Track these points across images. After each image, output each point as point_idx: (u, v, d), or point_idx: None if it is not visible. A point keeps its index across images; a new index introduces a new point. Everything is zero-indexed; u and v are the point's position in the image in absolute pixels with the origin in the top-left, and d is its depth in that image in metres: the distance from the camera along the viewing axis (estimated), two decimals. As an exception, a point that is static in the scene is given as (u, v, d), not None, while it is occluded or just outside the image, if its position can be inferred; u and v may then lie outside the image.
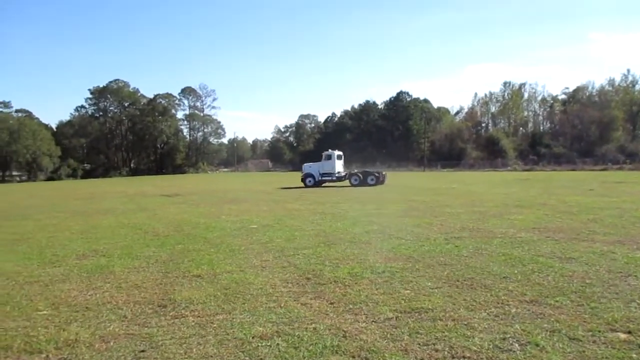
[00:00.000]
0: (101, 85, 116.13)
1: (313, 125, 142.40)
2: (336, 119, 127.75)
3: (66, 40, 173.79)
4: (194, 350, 4.77)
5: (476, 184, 35.50)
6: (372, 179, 36.39)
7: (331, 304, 6.17)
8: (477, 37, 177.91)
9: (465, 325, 5.28)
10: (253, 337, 5.06)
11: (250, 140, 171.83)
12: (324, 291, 6.75)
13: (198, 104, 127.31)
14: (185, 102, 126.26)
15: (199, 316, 5.82)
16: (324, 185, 38.77)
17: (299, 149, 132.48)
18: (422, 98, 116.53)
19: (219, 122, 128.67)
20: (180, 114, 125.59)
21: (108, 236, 13.01)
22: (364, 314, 5.73)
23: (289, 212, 17.43)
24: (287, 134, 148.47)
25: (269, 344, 4.88)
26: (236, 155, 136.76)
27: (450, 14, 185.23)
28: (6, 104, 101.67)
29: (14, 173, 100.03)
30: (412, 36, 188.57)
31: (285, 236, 11.76)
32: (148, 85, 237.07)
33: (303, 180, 38.86)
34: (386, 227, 12.87)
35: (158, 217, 17.62)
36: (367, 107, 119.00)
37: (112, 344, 5.03)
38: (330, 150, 39.54)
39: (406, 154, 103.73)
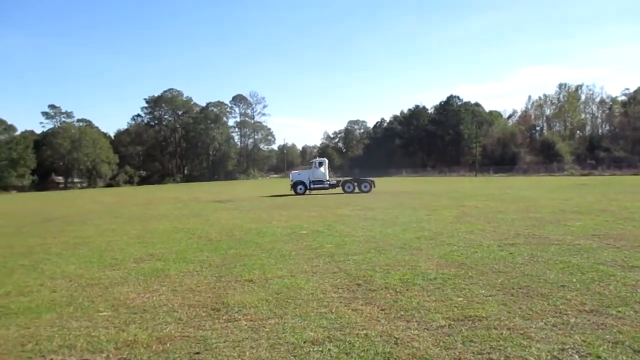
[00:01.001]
0: (156, 95, 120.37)
1: (362, 130, 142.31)
2: (385, 124, 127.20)
3: (124, 52, 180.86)
4: (247, 353, 4.85)
5: (530, 189, 34.41)
6: (365, 186, 36.89)
7: (382, 310, 6.13)
8: (531, 39, 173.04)
9: (522, 334, 5.13)
10: (305, 342, 5.09)
11: (299, 147, 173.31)
12: (375, 297, 6.72)
13: (249, 111, 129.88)
14: (236, 109, 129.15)
15: (251, 320, 5.91)
16: (318, 192, 38.06)
17: (348, 155, 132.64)
18: (472, 102, 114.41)
19: (269, 129, 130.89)
20: (231, 122, 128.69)
21: (163, 241, 13.40)
22: (416, 321, 5.66)
23: (339, 218, 17.44)
24: (336, 140, 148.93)
25: (320, 349, 4.90)
26: (286, 161, 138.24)
27: (504, 14, 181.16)
28: (68, 114, 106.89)
29: (76, 180, 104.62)
30: (462, 40, 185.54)
31: (335, 242, 11.77)
32: (200, 93, 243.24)
33: (293, 187, 38.01)
34: (438, 233, 12.68)
35: (211, 222, 18.00)
36: (417, 112, 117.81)
37: (168, 345, 5.18)
38: (318, 157, 39.94)
39: (457, 158, 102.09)
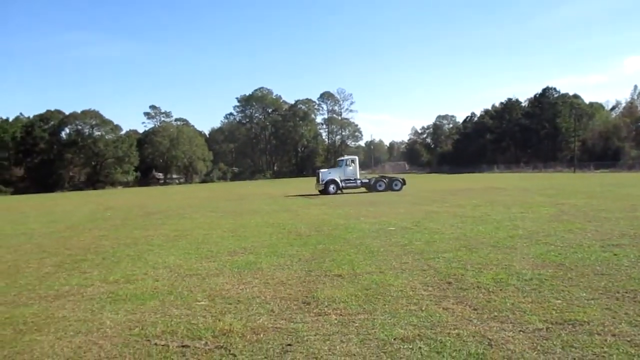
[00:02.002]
0: (247, 94, 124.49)
1: (451, 125, 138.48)
2: (476, 118, 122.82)
3: (218, 54, 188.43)
4: (337, 347, 4.91)
5: (637, 186, 31.84)
6: (396, 184, 35.96)
7: (474, 310, 5.97)
8: (636, 26, 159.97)
9: (628, 342, 4.78)
10: (394, 339, 5.07)
11: (387, 143, 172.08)
12: (467, 296, 6.55)
13: (336, 108, 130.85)
14: (324, 106, 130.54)
15: (341, 314, 5.97)
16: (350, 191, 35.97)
17: (436, 151, 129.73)
18: (571, 94, 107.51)
19: (357, 125, 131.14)
20: (319, 118, 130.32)
21: (255, 235, 13.86)
22: (511, 323, 5.45)
23: (428, 215, 17.14)
24: (425, 136, 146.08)
25: (410, 346, 4.86)
26: (373, 158, 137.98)
27: (604, 1, 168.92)
28: (167, 114, 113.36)
29: (174, 176, 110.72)
30: (558, 29, 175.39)
31: (425, 239, 11.59)
32: (289, 91, 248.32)
33: (325, 187, 35.01)
34: (533, 231, 12.10)
35: (300, 217, 18.37)
36: (509, 106, 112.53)
37: (261, 335, 5.36)
38: (346, 155, 38.03)
39: (553, 154, 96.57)
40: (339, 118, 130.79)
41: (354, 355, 4.72)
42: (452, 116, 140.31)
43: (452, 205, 20.71)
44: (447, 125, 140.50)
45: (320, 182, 35.64)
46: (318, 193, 35.58)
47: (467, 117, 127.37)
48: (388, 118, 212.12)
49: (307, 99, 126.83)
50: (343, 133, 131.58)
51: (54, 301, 7.33)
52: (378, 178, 37.21)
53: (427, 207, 20.67)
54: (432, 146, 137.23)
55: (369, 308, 6.20)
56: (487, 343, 4.87)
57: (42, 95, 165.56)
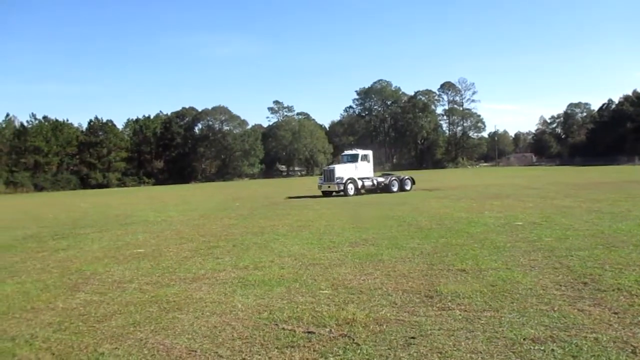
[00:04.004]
0: (366, 86, 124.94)
1: (585, 114, 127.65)
2: (613, 106, 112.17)
3: (336, 47, 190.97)
4: (463, 343, 4.79)
5: None
6: (406, 183, 32.09)
7: (615, 313, 5.50)
8: None
9: None
10: (524, 339, 4.83)
11: (512, 133, 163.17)
12: (605, 299, 6.05)
13: (457, 98, 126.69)
14: (445, 97, 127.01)
15: (465, 310, 5.82)
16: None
17: (567, 141, 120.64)
18: None
19: (479, 116, 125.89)
20: (439, 109, 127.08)
21: (375, 227, 13.92)
22: (659, 330, 4.95)
23: (559, 210, 16.04)
24: (554, 125, 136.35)
25: (542, 348, 4.60)
26: (497, 149, 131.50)
27: None
28: (290, 108, 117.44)
29: (296, 168, 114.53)
30: None
31: (556, 235, 10.87)
32: (409, 83, 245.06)
33: (344, 187, 29.00)
34: (685, 231, 10.85)
35: (420, 210, 18.12)
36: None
37: (384, 327, 5.39)
38: (357, 149, 32.80)
39: None
40: (461, 109, 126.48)
41: (481, 352, 4.58)
42: (586, 104, 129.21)
43: (586, 200, 19.18)
44: (580, 114, 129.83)
45: (336, 181, 29.35)
46: (439, 188, 34.50)
47: (603, 105, 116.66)
48: (514, 107, 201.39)
49: (427, 89, 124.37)
50: (465, 124, 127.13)
51: (191, 283, 7.97)
52: (393, 178, 31.87)
53: (557, 201, 19.36)
54: (563, 136, 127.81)
55: (496, 305, 5.97)
56: (630, 350, 4.47)
57: (178, 94, 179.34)
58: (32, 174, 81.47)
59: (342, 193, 29.13)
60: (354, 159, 31.25)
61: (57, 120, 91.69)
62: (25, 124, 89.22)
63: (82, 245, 13.16)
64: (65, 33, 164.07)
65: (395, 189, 30.66)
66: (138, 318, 6.15)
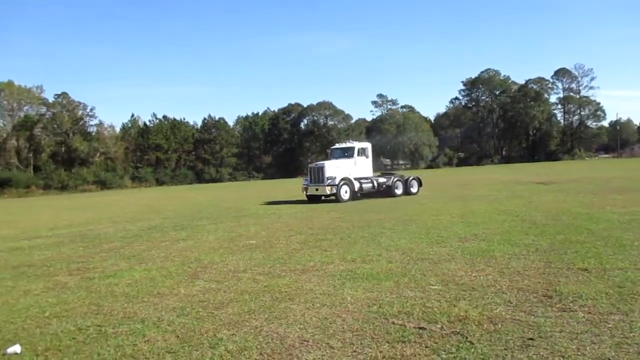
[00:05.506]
0: (473, 77, 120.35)
1: None
2: None
3: (439, 38, 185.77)
4: (588, 348, 4.47)
5: None
6: (412, 186, 26.23)
7: None
8: None
9: None
10: (660, 346, 4.41)
11: (637, 122, 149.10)
12: None
13: (573, 85, 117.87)
14: (559, 84, 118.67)
15: (589, 312, 5.43)
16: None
17: None
18: None
19: (598, 104, 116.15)
20: (553, 98, 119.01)
21: (485, 221, 13.42)
22: None
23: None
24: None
25: (681, 357, 4.18)
26: (619, 140, 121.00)
27: None
28: (393, 102, 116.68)
29: (400, 162, 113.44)
30: None
31: (694, 234, 9.81)
32: (518, 71, 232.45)
33: (337, 190, 23.59)
34: None
35: (534, 204, 17.18)
36: None
37: (499, 326, 5.18)
38: (352, 141, 27.33)
39: None
40: (577, 96, 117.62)
41: (608, 359, 4.25)
42: None
43: None
44: None
45: (326, 182, 23.77)
46: (553, 181, 32.32)
47: None
48: (638, 94, 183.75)
49: (539, 77, 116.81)
50: (582, 113, 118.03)
51: (301, 274, 8.18)
52: (394, 178, 26.22)
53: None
54: None
55: (625, 308, 5.50)
56: None
57: (284, 91, 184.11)
58: (154, 169, 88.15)
59: (333, 197, 23.94)
60: (348, 153, 25.63)
61: (175, 119, 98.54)
62: (148, 123, 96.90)
63: (200, 236, 14.02)
64: (183, 40, 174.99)
65: (399, 191, 25.44)
66: (253, 306, 6.43)
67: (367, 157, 25.87)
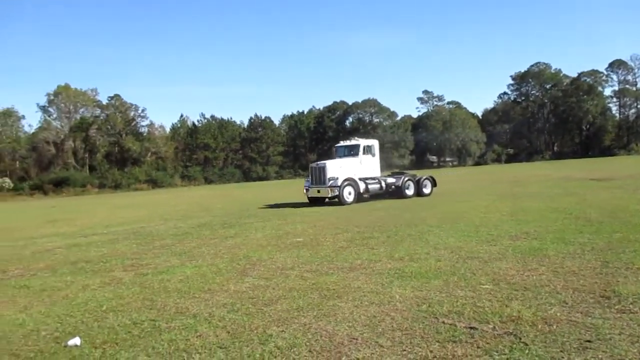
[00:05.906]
0: (522, 71, 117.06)
1: None
2: None
3: (485, 32, 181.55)
4: (650, 351, 4.29)
5: None
6: (425, 186, 24.59)
7: None
8: None
9: None
10: None
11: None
12: None
13: (629, 77, 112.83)
14: (614, 77, 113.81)
15: (651, 314, 5.20)
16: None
17: None
18: None
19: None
20: (608, 91, 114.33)
21: (537, 219, 13.04)
22: None
23: None
24: None
25: None
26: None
27: None
28: (440, 98, 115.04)
29: (447, 159, 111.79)
30: None
31: None
32: (570, 64, 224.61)
33: (339, 190, 22.00)
34: None
35: (588, 202, 16.58)
36: None
37: (554, 327, 5.02)
38: (358, 138, 25.48)
39: None
40: (633, 89, 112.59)
41: (672, 363, 4.07)
42: None
43: None
44: None
45: (328, 183, 22.31)
46: (609, 177, 31.03)
47: None
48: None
49: (592, 70, 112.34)
50: (639, 106, 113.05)
51: (349, 272, 8.18)
52: (404, 178, 24.46)
53: None
54: None
55: (689, 310, 5.25)
56: None
57: (329, 89, 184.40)
58: (202, 168, 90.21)
59: (336, 200, 22.42)
60: (353, 151, 24.03)
61: (222, 119, 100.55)
62: (196, 123, 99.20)
63: (248, 233, 14.23)
64: (232, 42, 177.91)
65: (410, 192, 23.96)
66: (301, 303, 6.48)
67: (373, 155, 24.20)
